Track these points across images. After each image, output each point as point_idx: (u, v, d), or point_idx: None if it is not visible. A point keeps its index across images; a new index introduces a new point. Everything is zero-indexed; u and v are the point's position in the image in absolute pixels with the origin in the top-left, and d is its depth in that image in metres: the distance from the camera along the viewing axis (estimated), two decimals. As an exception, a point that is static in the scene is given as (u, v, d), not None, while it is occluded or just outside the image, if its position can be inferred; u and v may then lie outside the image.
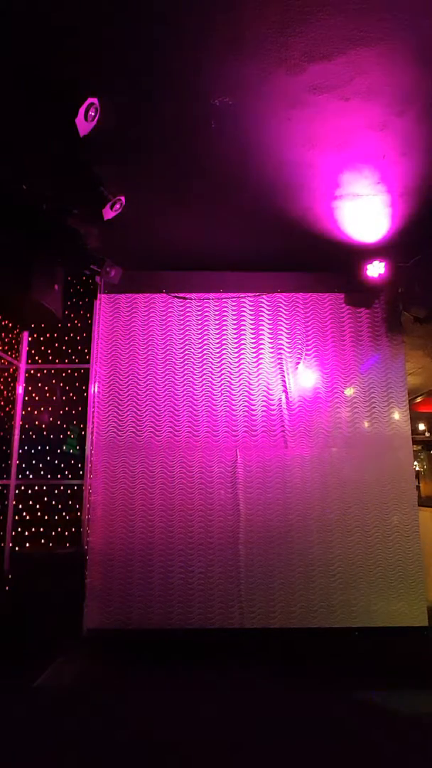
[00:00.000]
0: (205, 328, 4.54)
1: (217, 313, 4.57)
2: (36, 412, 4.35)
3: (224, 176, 3.32)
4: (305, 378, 4.44)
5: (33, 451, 4.26)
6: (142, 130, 2.92)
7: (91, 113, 2.59)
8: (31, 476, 4.21)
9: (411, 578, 4.06)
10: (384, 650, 3.84)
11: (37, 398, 4.38)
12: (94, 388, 4.39)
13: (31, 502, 4.14)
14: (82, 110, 2.51)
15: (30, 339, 4.50)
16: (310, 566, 4.07)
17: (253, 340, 4.51)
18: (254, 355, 4.49)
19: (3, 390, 4.23)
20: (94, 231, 3.46)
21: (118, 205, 3.36)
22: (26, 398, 4.37)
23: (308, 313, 4.57)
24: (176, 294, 4.58)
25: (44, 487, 4.19)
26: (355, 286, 4.36)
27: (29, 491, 4.17)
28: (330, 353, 4.50)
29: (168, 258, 4.45)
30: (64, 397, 4.38)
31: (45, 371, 4.43)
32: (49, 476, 4.20)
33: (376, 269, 4.13)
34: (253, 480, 4.23)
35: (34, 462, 4.24)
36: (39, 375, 4.42)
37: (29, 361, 4.45)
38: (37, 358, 4.46)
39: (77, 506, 4.14)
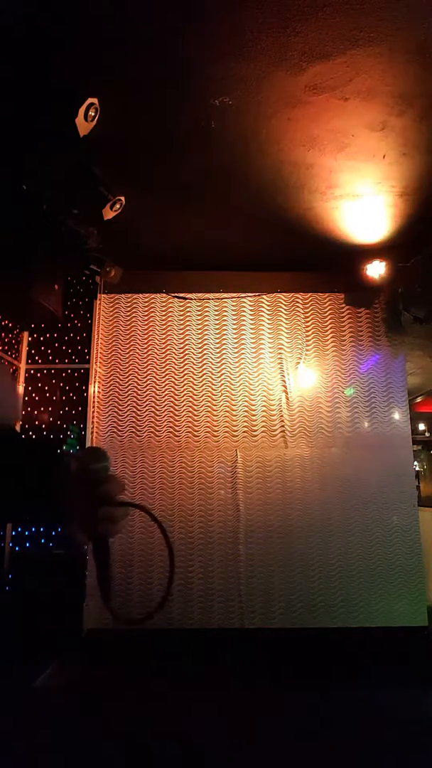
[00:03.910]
0: (205, 328, 4.53)
1: (217, 313, 4.57)
2: (36, 412, 4.35)
3: (224, 176, 3.32)
4: (305, 378, 4.44)
5: (33, 451, 4.25)
6: (142, 130, 2.92)
7: (91, 113, 2.58)
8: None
9: (411, 578, 4.06)
10: (384, 650, 3.84)
11: (37, 398, 4.37)
12: (94, 388, 4.39)
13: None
14: (82, 110, 2.51)
15: (30, 339, 4.50)
16: (310, 566, 4.07)
17: (253, 340, 4.51)
18: (254, 355, 4.49)
19: (3, 390, 4.22)
20: (94, 231, 3.45)
21: (118, 205, 3.36)
22: (26, 398, 4.37)
23: (308, 313, 4.57)
24: (176, 294, 4.58)
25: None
26: (355, 286, 4.35)
27: (29, 491, 4.16)
28: (330, 353, 4.49)
29: (168, 258, 4.44)
30: (64, 397, 4.38)
31: (45, 371, 4.43)
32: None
33: (376, 269, 4.12)
34: (253, 480, 4.23)
35: (34, 462, 4.23)
36: (39, 375, 4.42)
37: (29, 361, 4.45)
38: (37, 358, 4.46)
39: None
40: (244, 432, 4.33)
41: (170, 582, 0.85)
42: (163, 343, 4.50)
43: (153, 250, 4.34)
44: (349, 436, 4.33)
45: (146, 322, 4.54)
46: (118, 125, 2.83)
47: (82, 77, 2.50)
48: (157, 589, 4.00)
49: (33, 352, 4.47)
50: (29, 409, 4.35)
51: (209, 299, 4.58)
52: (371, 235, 4.01)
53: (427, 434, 8.62)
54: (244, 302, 4.59)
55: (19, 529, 4.07)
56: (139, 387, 4.42)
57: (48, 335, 4.50)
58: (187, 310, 4.57)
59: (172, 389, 4.41)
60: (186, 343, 4.50)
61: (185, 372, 4.44)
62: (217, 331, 4.53)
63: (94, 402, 4.37)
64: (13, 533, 4.05)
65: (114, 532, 0.69)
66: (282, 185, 3.40)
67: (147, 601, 3.98)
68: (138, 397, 4.40)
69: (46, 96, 2.54)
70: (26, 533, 4.06)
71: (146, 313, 4.56)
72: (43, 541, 4.06)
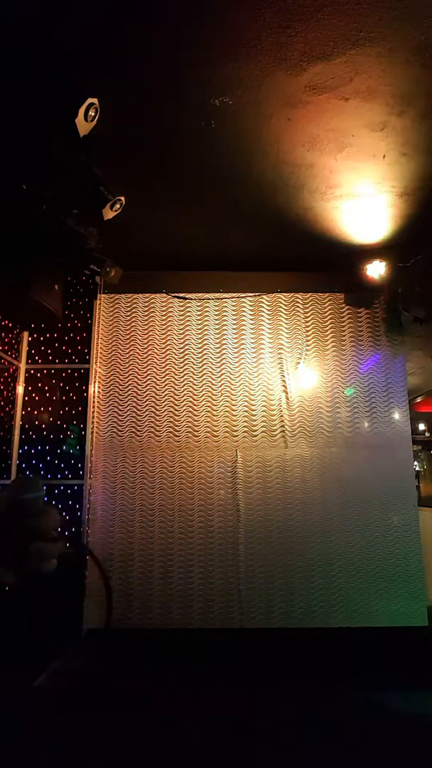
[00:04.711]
0: (205, 328, 4.53)
1: (217, 313, 4.57)
2: (36, 412, 4.35)
3: (224, 176, 3.32)
4: (305, 378, 4.44)
5: (33, 451, 4.26)
6: (142, 130, 2.93)
7: (91, 113, 2.59)
8: (31, 476, 4.20)
9: (411, 578, 4.06)
10: (384, 650, 3.84)
11: (37, 398, 4.37)
12: (94, 388, 4.39)
13: None
14: (82, 110, 2.51)
15: (30, 339, 4.50)
16: (310, 566, 4.07)
17: (253, 340, 4.51)
18: (254, 355, 4.49)
19: (3, 390, 4.23)
20: (94, 231, 3.45)
21: (118, 205, 3.36)
22: (26, 398, 4.37)
23: (308, 313, 4.57)
24: (176, 294, 4.58)
25: (44, 487, 4.18)
26: (355, 286, 4.36)
27: (29, 491, 4.16)
28: (330, 353, 4.49)
29: (168, 258, 4.44)
30: (64, 397, 4.38)
31: (45, 371, 4.43)
32: (49, 476, 4.20)
33: (376, 269, 4.12)
34: (253, 480, 4.23)
35: (34, 462, 4.24)
36: (39, 375, 4.42)
37: (29, 361, 4.45)
38: (37, 358, 4.46)
39: (77, 506, 4.14)
40: (244, 432, 4.33)
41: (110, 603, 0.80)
42: (163, 343, 4.50)
43: (153, 250, 4.34)
44: (349, 436, 4.33)
45: (146, 322, 4.54)
46: (118, 125, 2.83)
47: (82, 77, 2.51)
48: (158, 588, 4.00)
49: (33, 352, 4.47)
50: (29, 409, 4.35)
51: (209, 299, 4.58)
52: (371, 235, 4.01)
53: (427, 434, 8.62)
54: (244, 302, 4.59)
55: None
56: (139, 387, 4.42)
57: (48, 335, 4.50)
58: (187, 310, 4.57)
59: (172, 389, 4.41)
60: (186, 343, 4.50)
61: (185, 372, 4.44)
62: (217, 331, 4.53)
63: (94, 402, 4.37)
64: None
65: (45, 569, 0.64)
66: (282, 185, 3.40)
67: (147, 600, 3.98)
68: (138, 397, 4.40)
69: (46, 96, 2.54)
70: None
71: (146, 313, 4.56)
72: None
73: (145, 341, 4.50)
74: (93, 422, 4.33)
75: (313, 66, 2.43)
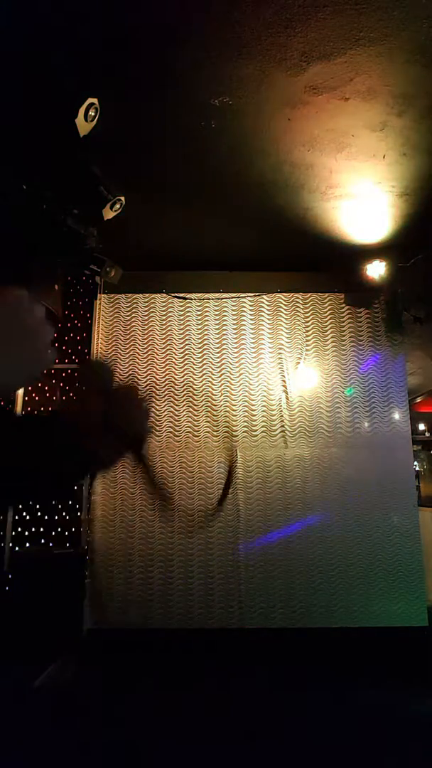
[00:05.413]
0: (205, 328, 4.53)
1: (217, 313, 4.57)
2: (36, 412, 4.34)
3: (224, 176, 3.32)
4: (305, 378, 4.44)
5: (33, 451, 4.25)
6: (142, 131, 2.93)
7: (91, 113, 2.59)
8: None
9: (411, 578, 4.06)
10: (384, 650, 3.84)
11: (37, 398, 4.37)
12: (94, 388, 4.38)
13: (30, 502, 4.14)
14: (82, 110, 2.51)
15: (30, 339, 4.49)
16: (310, 566, 4.06)
17: (253, 340, 4.51)
18: (254, 355, 4.48)
19: (3, 390, 4.22)
20: (94, 231, 3.45)
21: (118, 205, 3.36)
22: (26, 398, 4.37)
23: (308, 313, 4.57)
24: (176, 294, 4.58)
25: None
26: (355, 286, 4.36)
27: (29, 491, 4.16)
28: (330, 353, 4.49)
29: (168, 258, 4.44)
30: (64, 397, 4.38)
31: (45, 371, 4.42)
32: (49, 476, 4.19)
33: (376, 269, 4.12)
34: (253, 480, 4.23)
35: (34, 462, 4.23)
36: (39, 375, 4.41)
37: (29, 361, 4.44)
38: (37, 358, 4.45)
39: (77, 506, 4.14)
40: (244, 432, 4.33)
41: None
42: (163, 343, 4.50)
43: (153, 250, 4.34)
44: (349, 436, 4.32)
45: (146, 322, 4.54)
46: (118, 125, 2.83)
47: (82, 77, 2.51)
48: (158, 588, 3.99)
49: (33, 352, 4.46)
50: (29, 409, 4.35)
51: (209, 299, 4.58)
52: (371, 235, 4.01)
53: (427, 434, 8.62)
54: (244, 302, 4.58)
55: (19, 529, 4.07)
56: (138, 387, 4.41)
57: (48, 335, 4.49)
58: (187, 310, 4.57)
59: (172, 389, 4.41)
60: (186, 343, 4.50)
61: (185, 372, 4.44)
62: (217, 331, 4.53)
63: (94, 402, 4.36)
64: (13, 533, 4.05)
65: (147, 431, 0.72)
66: (282, 185, 3.40)
67: (147, 600, 3.98)
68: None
69: (46, 96, 2.54)
70: (26, 533, 4.06)
71: (146, 313, 4.56)
72: (42, 541, 4.06)
73: (145, 341, 4.50)
74: (93, 422, 4.32)
75: (313, 66, 2.43)
